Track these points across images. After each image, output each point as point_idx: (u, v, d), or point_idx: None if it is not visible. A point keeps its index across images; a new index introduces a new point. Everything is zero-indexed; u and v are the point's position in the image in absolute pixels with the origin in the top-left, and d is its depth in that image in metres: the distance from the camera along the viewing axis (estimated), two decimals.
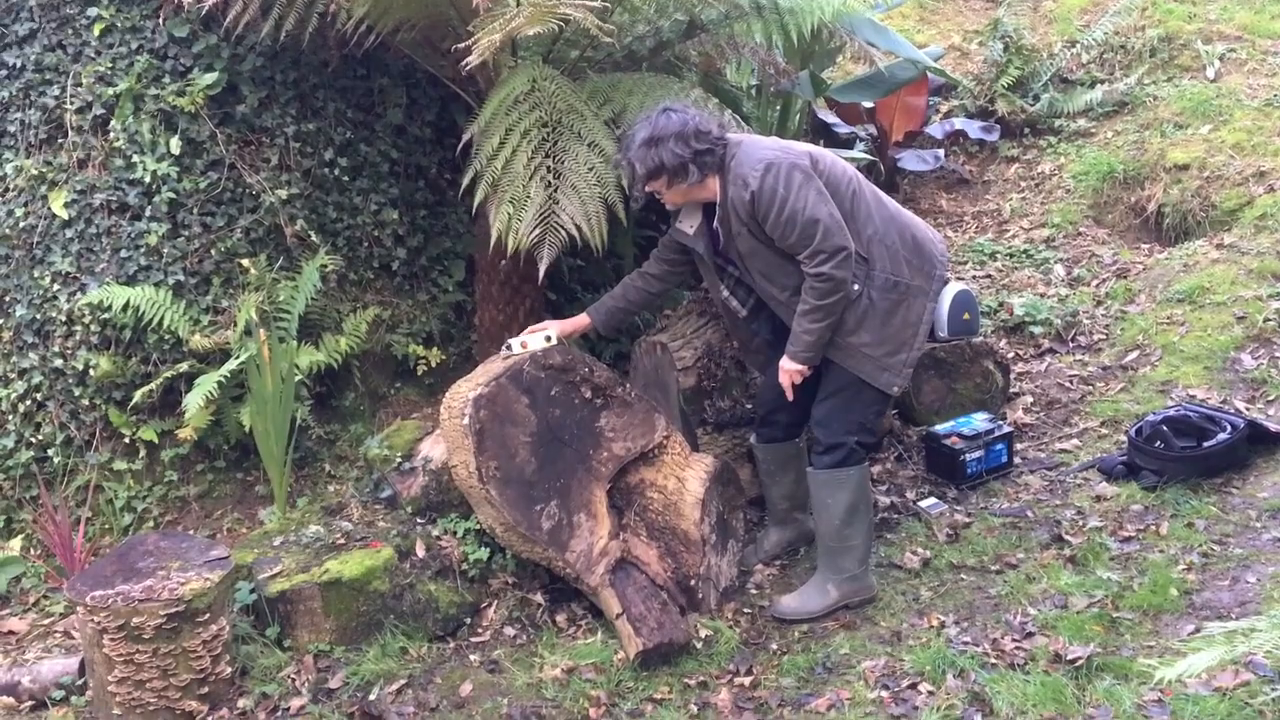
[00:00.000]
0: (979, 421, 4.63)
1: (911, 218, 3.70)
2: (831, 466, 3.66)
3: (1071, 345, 5.57)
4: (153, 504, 4.31)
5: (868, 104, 7.02)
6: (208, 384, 4.06)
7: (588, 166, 3.81)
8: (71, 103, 4.38)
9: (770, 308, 3.76)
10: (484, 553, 3.88)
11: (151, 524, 4.28)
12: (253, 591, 3.65)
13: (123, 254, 4.33)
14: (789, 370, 3.63)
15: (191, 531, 4.21)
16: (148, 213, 4.35)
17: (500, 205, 3.75)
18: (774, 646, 3.64)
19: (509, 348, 3.79)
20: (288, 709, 3.40)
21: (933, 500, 4.41)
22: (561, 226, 3.68)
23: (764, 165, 3.46)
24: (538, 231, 3.68)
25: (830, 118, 7.39)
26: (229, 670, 3.42)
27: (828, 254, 3.43)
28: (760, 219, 3.49)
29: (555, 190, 3.74)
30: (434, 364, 4.84)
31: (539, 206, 3.69)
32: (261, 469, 4.33)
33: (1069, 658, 3.26)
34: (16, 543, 4.21)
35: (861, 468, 3.70)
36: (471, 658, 3.66)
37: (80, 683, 3.49)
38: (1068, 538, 3.99)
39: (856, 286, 3.53)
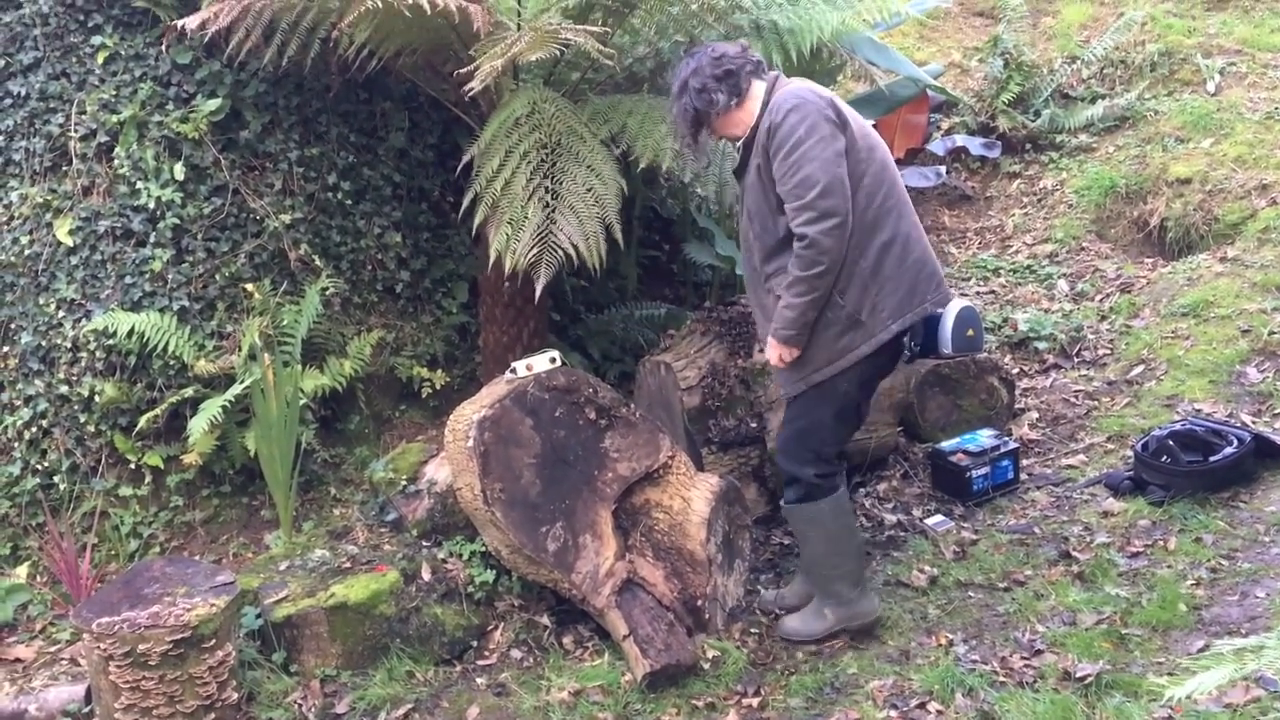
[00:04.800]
0: (985, 438, 4.62)
1: (914, 248, 3.43)
2: (797, 501, 3.57)
3: (1076, 360, 5.56)
4: (159, 529, 4.31)
5: (869, 122, 7.03)
6: (212, 409, 4.06)
7: (586, 188, 3.82)
8: (76, 130, 4.41)
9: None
10: (490, 575, 3.87)
11: (157, 550, 4.28)
12: (259, 616, 3.64)
13: (127, 280, 4.34)
14: (774, 347, 3.44)
15: (197, 557, 4.20)
16: (152, 239, 4.37)
17: (499, 226, 3.76)
18: (781, 667, 3.62)
19: (514, 370, 3.80)
20: None
21: (939, 517, 4.40)
22: (559, 247, 3.69)
23: (797, 101, 3.30)
24: (535, 252, 3.69)
25: None
26: (235, 696, 3.41)
27: (817, 214, 3.22)
28: (772, 154, 3.32)
29: (553, 211, 3.75)
30: (438, 386, 4.85)
31: (536, 227, 3.70)
32: (267, 493, 4.34)
33: (1078, 675, 3.24)
34: (23, 570, 4.21)
35: (832, 499, 3.54)
36: (478, 681, 3.65)
37: (87, 710, 3.48)
38: (1075, 554, 3.97)
39: None
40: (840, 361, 3.38)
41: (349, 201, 4.74)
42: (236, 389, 4.14)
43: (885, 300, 3.35)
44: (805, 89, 3.38)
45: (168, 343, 4.24)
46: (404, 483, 4.15)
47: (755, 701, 3.42)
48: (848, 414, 3.55)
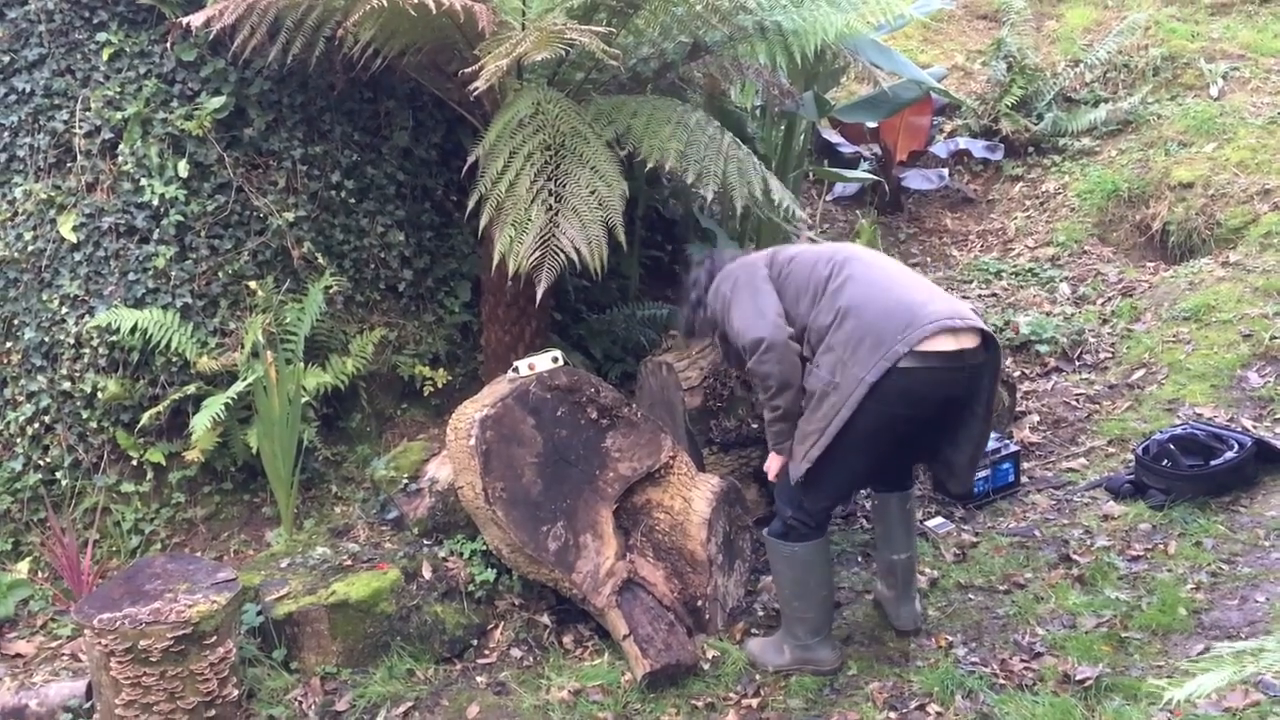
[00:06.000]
0: None
1: (874, 302, 3.26)
2: (774, 535, 3.53)
3: (1078, 364, 5.57)
4: (160, 526, 4.32)
5: (872, 124, 7.05)
6: (215, 406, 4.07)
7: (589, 190, 3.83)
8: (80, 127, 4.41)
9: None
10: (490, 574, 3.88)
11: (159, 546, 4.28)
12: (260, 614, 3.65)
13: (131, 277, 4.35)
14: (771, 459, 3.51)
15: (199, 553, 4.21)
16: (156, 236, 4.37)
17: (503, 227, 3.77)
18: None
19: (516, 369, 3.80)
20: None
21: (940, 519, 4.40)
22: (561, 250, 3.69)
23: (719, 276, 3.63)
24: (537, 254, 3.69)
25: (834, 138, 7.42)
26: (236, 693, 3.41)
27: (749, 349, 3.35)
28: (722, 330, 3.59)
29: (556, 214, 3.75)
30: (440, 385, 4.85)
31: (539, 229, 3.70)
32: (268, 491, 4.34)
33: (1078, 678, 3.25)
34: (24, 565, 4.21)
35: (805, 546, 3.46)
36: (478, 679, 3.65)
37: (88, 705, 3.49)
38: (1075, 557, 3.98)
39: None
40: (830, 428, 3.23)
41: (352, 200, 4.74)
42: (239, 386, 4.14)
43: (852, 357, 3.21)
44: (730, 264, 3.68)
45: (170, 339, 4.24)
46: (405, 481, 4.16)
47: (755, 702, 3.42)
48: (847, 480, 3.47)
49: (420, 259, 4.95)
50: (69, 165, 4.43)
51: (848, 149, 7.38)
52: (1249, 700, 2.97)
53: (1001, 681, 3.33)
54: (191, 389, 4.28)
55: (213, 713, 3.34)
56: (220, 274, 4.44)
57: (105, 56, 4.42)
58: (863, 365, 3.17)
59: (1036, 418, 5.15)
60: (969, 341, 3.22)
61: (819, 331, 3.32)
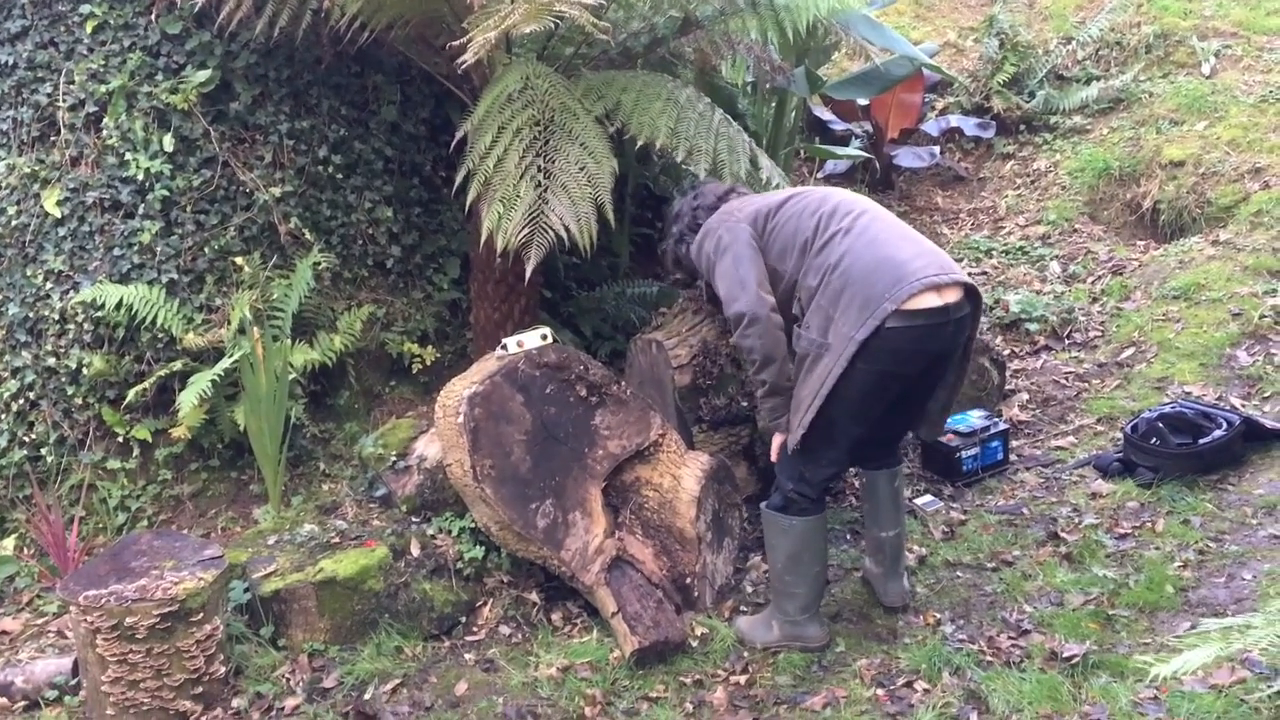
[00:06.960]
0: (975, 419, 4.62)
1: (862, 257, 3.27)
2: (773, 508, 3.53)
3: (1067, 342, 5.57)
4: (146, 503, 4.30)
5: (863, 101, 7.01)
6: (201, 383, 4.05)
7: (579, 166, 3.79)
8: (64, 100, 4.37)
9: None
10: (479, 551, 3.87)
11: (145, 523, 4.26)
12: (247, 591, 3.64)
13: (116, 252, 4.31)
14: (774, 441, 3.51)
15: (185, 530, 4.19)
16: (141, 210, 4.34)
17: (491, 204, 3.74)
18: None
19: (504, 346, 3.79)
20: (282, 709, 3.39)
21: (929, 497, 4.40)
22: (550, 227, 3.66)
23: (703, 231, 3.66)
24: (526, 231, 3.66)
25: (826, 114, 7.39)
26: (223, 670, 3.41)
27: (733, 323, 3.42)
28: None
29: (545, 190, 3.72)
30: (429, 362, 4.83)
31: (528, 206, 3.67)
32: (256, 468, 4.32)
33: (1065, 655, 3.26)
34: (10, 542, 4.20)
35: (804, 520, 3.46)
36: (467, 656, 3.65)
37: (74, 683, 3.48)
38: (1064, 535, 3.98)
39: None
40: (823, 390, 3.23)
41: (340, 175, 4.71)
42: (226, 363, 4.12)
43: (841, 316, 3.23)
44: (719, 212, 3.69)
45: (156, 315, 4.21)
46: (393, 458, 4.14)
47: (743, 679, 3.43)
48: (845, 446, 3.43)
49: (409, 235, 4.92)
50: (53, 139, 4.38)
51: (839, 126, 7.35)
52: (1235, 677, 2.98)
53: (989, 658, 3.34)
54: (178, 365, 4.26)
55: (199, 690, 3.34)
56: (206, 249, 4.41)
57: (89, 29, 4.37)
58: (851, 324, 3.19)
59: (1026, 396, 5.15)
60: (953, 296, 3.25)
61: (808, 291, 3.35)
